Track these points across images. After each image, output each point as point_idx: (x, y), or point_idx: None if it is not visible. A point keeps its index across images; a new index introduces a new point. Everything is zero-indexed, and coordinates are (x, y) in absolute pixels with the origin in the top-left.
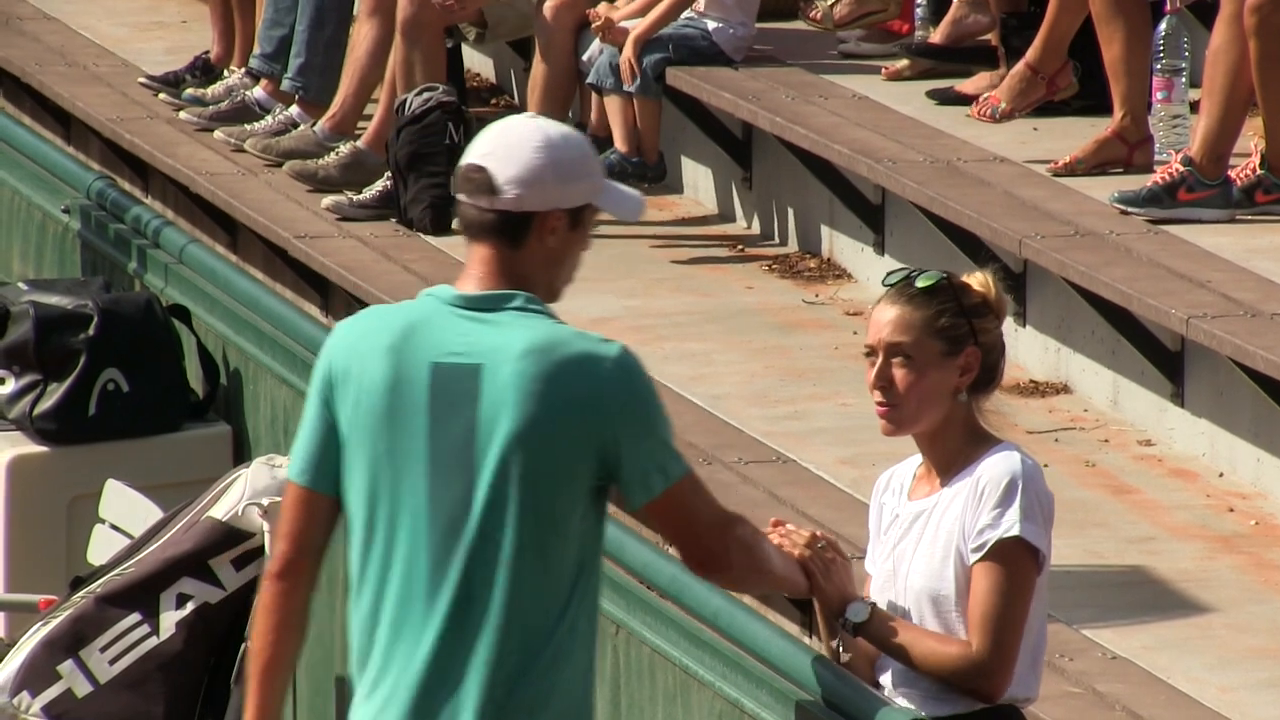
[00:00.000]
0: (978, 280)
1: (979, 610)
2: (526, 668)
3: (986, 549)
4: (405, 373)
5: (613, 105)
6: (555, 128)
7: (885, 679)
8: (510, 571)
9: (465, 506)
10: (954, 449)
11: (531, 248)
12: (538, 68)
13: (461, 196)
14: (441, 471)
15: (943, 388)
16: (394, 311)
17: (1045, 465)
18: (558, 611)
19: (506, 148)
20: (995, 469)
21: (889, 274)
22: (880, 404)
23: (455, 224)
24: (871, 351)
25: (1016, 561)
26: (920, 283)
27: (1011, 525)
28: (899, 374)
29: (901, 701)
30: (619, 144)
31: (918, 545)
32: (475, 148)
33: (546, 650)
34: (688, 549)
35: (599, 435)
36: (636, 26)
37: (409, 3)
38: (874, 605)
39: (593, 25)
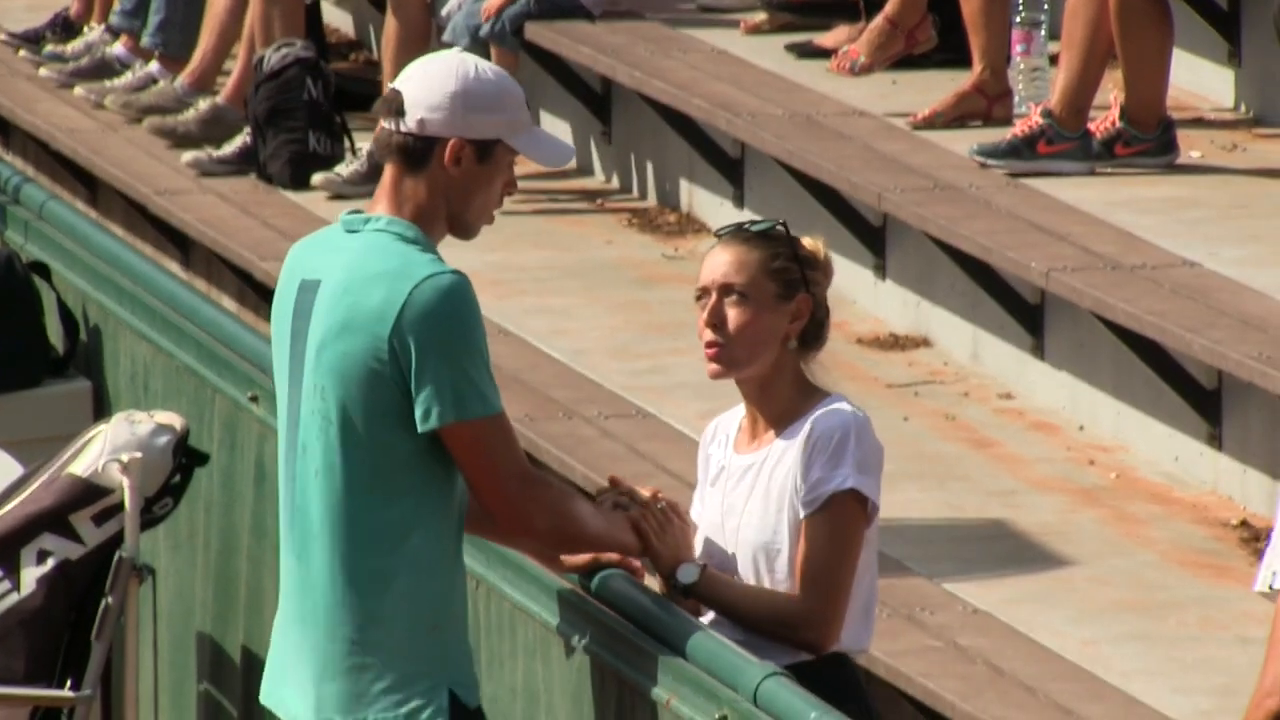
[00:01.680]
0: (809, 241)
1: (810, 564)
2: (355, 579)
3: (819, 503)
4: (286, 291)
5: None
6: (481, 64)
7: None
8: (322, 486)
9: (294, 421)
10: (783, 400)
11: (433, 174)
12: (390, 22)
13: (379, 119)
14: (288, 387)
15: (774, 331)
16: (315, 235)
17: (905, 419)
18: (384, 531)
19: (424, 75)
20: (826, 422)
21: (721, 228)
22: (711, 344)
23: (314, 179)
24: (704, 293)
25: (847, 514)
26: (756, 227)
27: (845, 478)
28: (732, 313)
29: None
30: None
31: (748, 498)
32: (400, 74)
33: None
34: (484, 497)
35: (391, 348)
36: None
37: None
38: (704, 566)
39: None
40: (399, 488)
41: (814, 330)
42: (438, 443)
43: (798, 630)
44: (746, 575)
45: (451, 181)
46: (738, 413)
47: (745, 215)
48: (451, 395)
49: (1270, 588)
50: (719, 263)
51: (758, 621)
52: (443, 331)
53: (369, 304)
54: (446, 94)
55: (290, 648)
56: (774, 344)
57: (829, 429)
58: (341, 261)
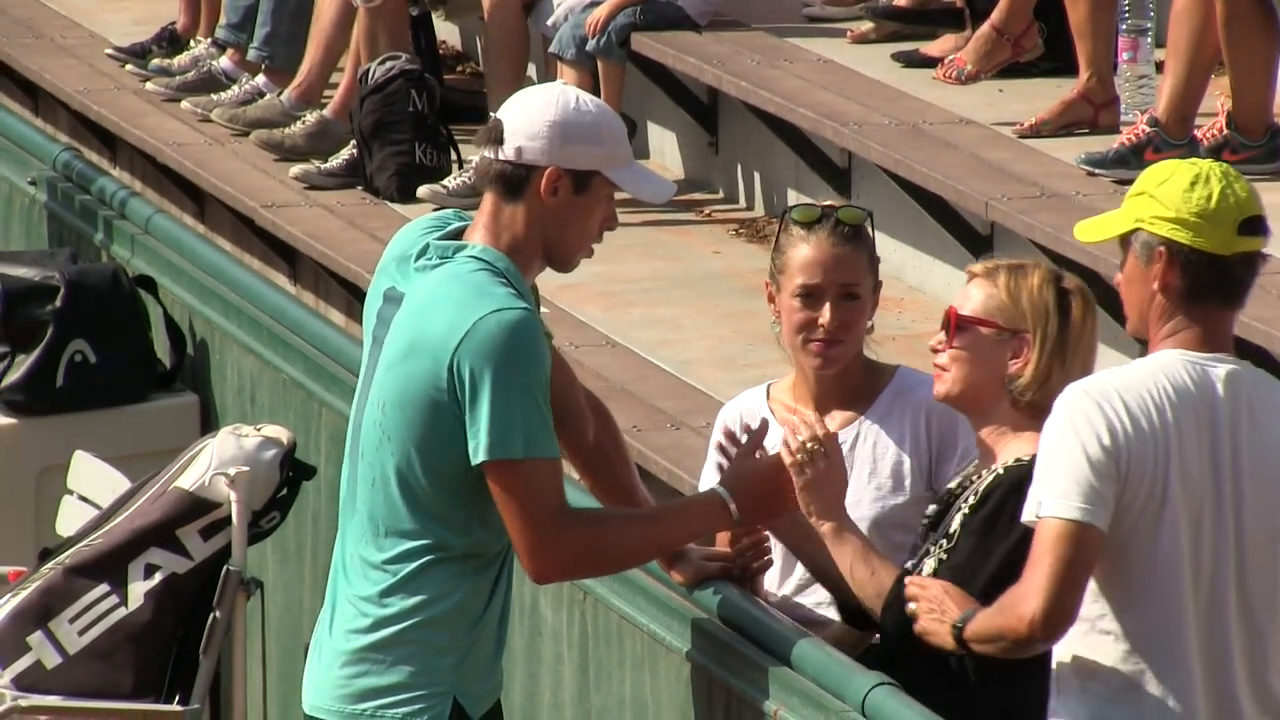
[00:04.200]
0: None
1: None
2: (382, 584)
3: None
4: (375, 292)
5: (569, 76)
6: (583, 96)
7: None
8: (373, 494)
9: (359, 424)
10: (857, 378)
11: (530, 203)
12: (486, 33)
13: (480, 146)
14: (360, 386)
15: (867, 320)
16: (419, 225)
17: None
18: (419, 548)
19: (524, 104)
20: (941, 410)
21: (794, 208)
22: (830, 342)
23: (420, 191)
24: (814, 292)
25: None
26: (853, 220)
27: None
28: (849, 311)
29: None
30: None
31: (855, 476)
32: (504, 103)
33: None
34: (514, 538)
35: (450, 377)
36: None
37: None
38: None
39: None
40: (442, 510)
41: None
42: (483, 478)
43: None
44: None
45: (547, 212)
46: (755, 398)
47: None
48: (496, 432)
49: (1036, 516)
50: (829, 260)
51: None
52: (497, 367)
53: (435, 330)
54: (545, 123)
55: (321, 628)
56: (865, 332)
57: (949, 418)
58: (426, 282)
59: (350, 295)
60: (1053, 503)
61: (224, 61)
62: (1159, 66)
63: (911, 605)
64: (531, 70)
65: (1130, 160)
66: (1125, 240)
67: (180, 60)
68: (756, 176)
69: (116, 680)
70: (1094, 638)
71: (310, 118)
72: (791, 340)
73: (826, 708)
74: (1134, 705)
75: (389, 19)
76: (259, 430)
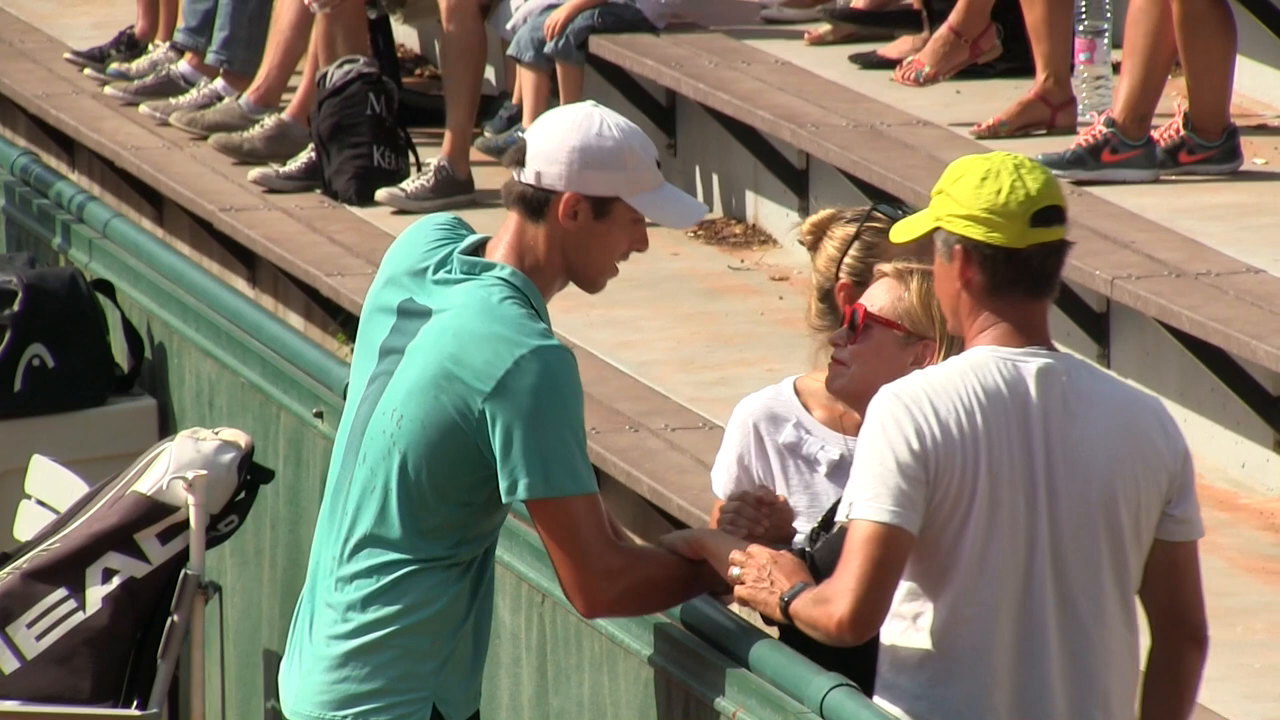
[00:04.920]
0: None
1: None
2: (368, 591)
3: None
4: (388, 297)
5: (528, 79)
6: (611, 120)
7: None
8: (369, 502)
9: (361, 427)
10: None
11: (551, 226)
12: (445, 35)
13: (507, 165)
14: (365, 389)
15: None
16: (425, 234)
17: None
18: (410, 561)
19: (549, 127)
20: None
21: (878, 207)
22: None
23: (379, 194)
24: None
25: None
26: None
27: None
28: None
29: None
30: (526, 121)
31: None
32: (534, 122)
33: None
34: (561, 574)
35: (483, 410)
36: None
37: None
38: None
39: None
40: (437, 524)
41: None
42: (489, 501)
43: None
44: None
45: (568, 236)
46: (780, 397)
47: None
48: (542, 469)
49: (847, 517)
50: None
51: None
52: (541, 405)
53: (473, 361)
54: (565, 149)
55: (299, 632)
56: None
57: None
58: (456, 303)
59: (309, 298)
60: (863, 505)
61: (182, 65)
62: (1116, 67)
63: (735, 570)
64: (490, 73)
65: (1087, 161)
66: (934, 240)
67: (139, 64)
68: (715, 178)
69: (75, 685)
70: (910, 633)
71: (269, 121)
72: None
73: (785, 709)
74: (939, 700)
75: (347, 22)
76: (217, 434)
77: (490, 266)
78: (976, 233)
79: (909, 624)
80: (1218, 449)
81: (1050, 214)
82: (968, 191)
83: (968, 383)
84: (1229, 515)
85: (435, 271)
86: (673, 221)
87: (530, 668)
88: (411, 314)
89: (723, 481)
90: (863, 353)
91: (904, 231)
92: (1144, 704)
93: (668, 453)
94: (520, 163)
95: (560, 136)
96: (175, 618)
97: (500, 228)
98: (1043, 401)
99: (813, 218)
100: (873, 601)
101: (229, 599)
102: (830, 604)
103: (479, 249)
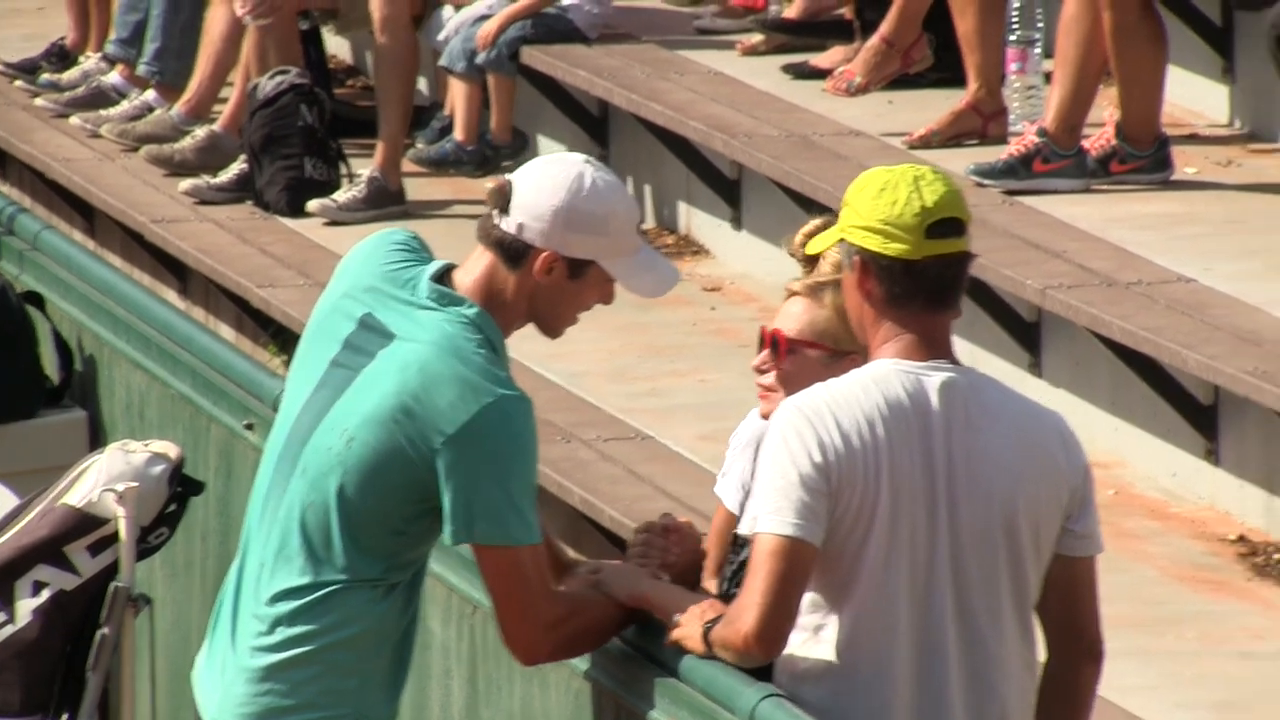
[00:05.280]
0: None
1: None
2: (294, 605)
3: None
4: (341, 311)
5: (459, 90)
6: (600, 179)
7: None
8: (306, 516)
9: (302, 438)
10: None
11: (524, 276)
12: (377, 47)
13: (489, 204)
14: (308, 398)
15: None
16: (386, 250)
17: None
18: (339, 579)
19: (538, 178)
20: None
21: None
22: None
23: (310, 206)
24: None
25: None
26: None
27: None
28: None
29: None
30: (458, 133)
31: None
32: (525, 166)
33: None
34: (502, 624)
35: (439, 451)
36: (518, 4)
37: None
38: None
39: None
40: (371, 546)
41: None
42: (426, 531)
43: None
44: None
45: (539, 289)
46: None
47: (743, 237)
48: (496, 517)
49: (752, 532)
50: None
51: None
52: (500, 455)
53: (437, 402)
54: (551, 207)
55: (220, 637)
56: None
57: None
58: (423, 336)
59: (240, 310)
60: (765, 519)
61: (114, 77)
62: (1048, 77)
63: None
64: (422, 84)
65: (1019, 171)
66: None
67: (70, 75)
68: (648, 189)
69: (4, 698)
70: (811, 645)
71: (200, 132)
72: None
73: (716, 719)
74: (841, 713)
75: (279, 33)
76: (147, 446)
77: (459, 301)
78: (874, 244)
79: (810, 636)
80: (1149, 458)
81: (948, 225)
82: (867, 203)
83: (870, 396)
84: (1160, 524)
85: (400, 290)
86: (646, 291)
87: (461, 679)
88: (372, 330)
89: (729, 490)
90: (789, 376)
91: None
92: (1039, 719)
93: (599, 463)
94: (504, 208)
95: (549, 192)
96: (105, 630)
97: (469, 258)
98: (945, 415)
99: (805, 228)
100: (779, 615)
101: (159, 611)
102: (737, 621)
103: (446, 275)
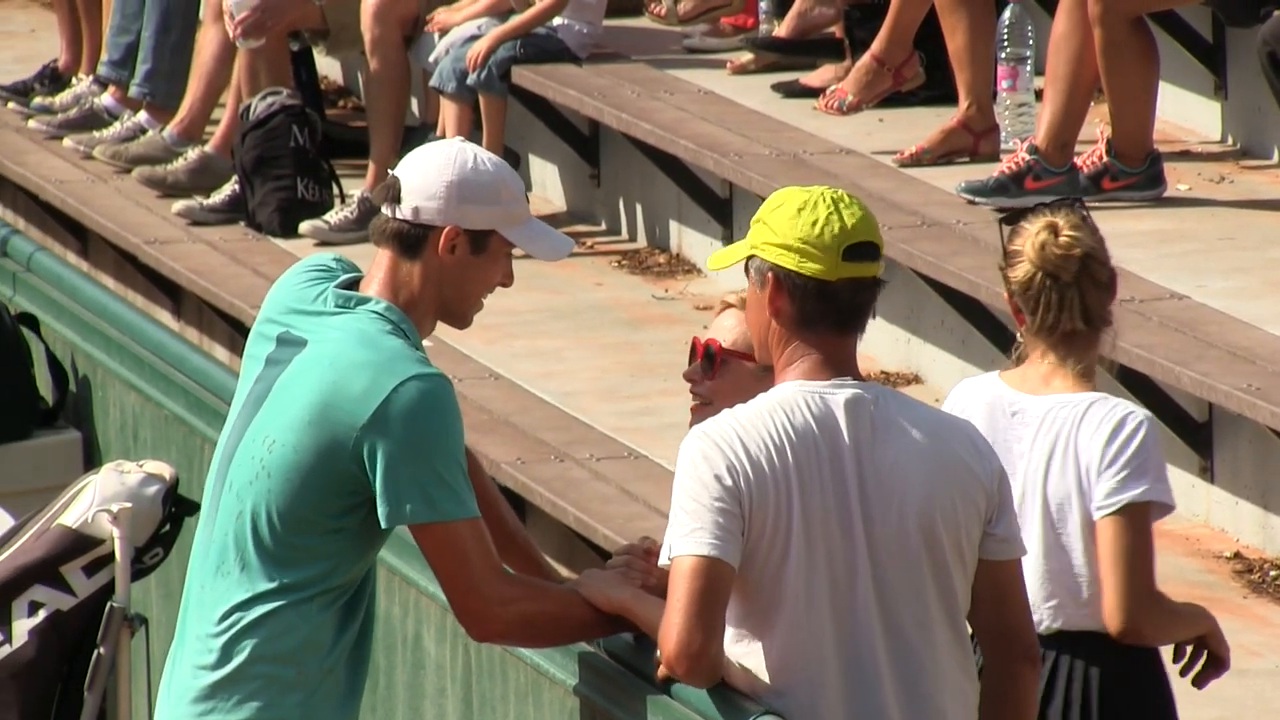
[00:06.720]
0: None
1: None
2: (231, 622)
3: None
4: (266, 331)
5: (450, 110)
6: (481, 154)
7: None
8: (237, 528)
9: (230, 455)
10: None
11: (428, 261)
12: (368, 67)
13: (377, 203)
14: (236, 418)
15: None
16: (300, 274)
17: None
18: (275, 590)
19: (422, 163)
20: None
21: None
22: None
23: (303, 227)
24: None
25: None
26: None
27: None
28: None
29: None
30: None
31: None
32: (404, 159)
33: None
34: (451, 598)
35: (360, 439)
36: (508, 24)
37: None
38: None
39: (428, 27)
40: (300, 553)
41: None
42: (360, 530)
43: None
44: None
45: (445, 270)
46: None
47: None
48: (424, 494)
49: (669, 559)
50: None
51: None
52: (420, 432)
53: (350, 390)
54: (443, 183)
55: (173, 659)
56: None
57: None
58: (330, 335)
59: (234, 330)
60: (680, 541)
61: (106, 98)
62: (1038, 94)
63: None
64: (413, 105)
65: (1010, 188)
66: (749, 268)
67: (62, 98)
68: (638, 208)
69: (1, 718)
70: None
71: (192, 154)
72: None
73: None
74: None
75: (270, 54)
76: (141, 466)
77: (365, 300)
78: (789, 261)
79: (739, 666)
80: None
81: (864, 250)
82: (784, 221)
83: (776, 420)
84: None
85: (311, 304)
86: (546, 254)
87: (455, 698)
88: (287, 344)
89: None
90: (722, 389)
91: (722, 259)
92: None
93: (592, 483)
94: (395, 199)
95: (436, 172)
96: (101, 650)
97: (371, 266)
98: (852, 431)
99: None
100: (700, 634)
101: (154, 631)
102: (662, 644)
103: (354, 285)
